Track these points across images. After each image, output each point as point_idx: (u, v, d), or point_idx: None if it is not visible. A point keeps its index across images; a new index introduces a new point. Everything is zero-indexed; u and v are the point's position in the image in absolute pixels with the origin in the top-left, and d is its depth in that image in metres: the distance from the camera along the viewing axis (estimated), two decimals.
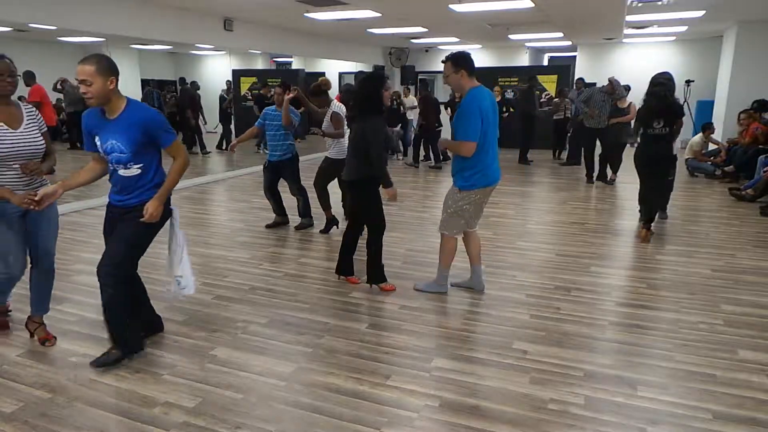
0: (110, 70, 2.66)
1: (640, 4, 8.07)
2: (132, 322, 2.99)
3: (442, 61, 3.72)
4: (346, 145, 5.59)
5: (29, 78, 9.40)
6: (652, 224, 5.46)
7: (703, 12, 8.71)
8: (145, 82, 15.09)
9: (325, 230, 5.65)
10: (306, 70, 15.57)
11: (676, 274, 4.42)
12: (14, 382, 2.79)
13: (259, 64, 17.06)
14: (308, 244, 5.31)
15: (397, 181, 8.38)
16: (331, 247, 5.19)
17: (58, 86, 11.90)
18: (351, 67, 15.29)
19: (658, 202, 5.68)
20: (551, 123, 11.26)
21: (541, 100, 11.85)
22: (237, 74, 15.20)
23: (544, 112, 11.18)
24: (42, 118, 3.04)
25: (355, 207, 4.08)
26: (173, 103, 14.06)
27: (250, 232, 5.75)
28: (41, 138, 2.95)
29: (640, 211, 5.68)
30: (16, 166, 2.83)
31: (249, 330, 3.42)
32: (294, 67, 16.85)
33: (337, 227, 5.65)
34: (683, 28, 10.89)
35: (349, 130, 4.54)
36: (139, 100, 2.41)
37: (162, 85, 16.64)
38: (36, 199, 2.80)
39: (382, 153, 3.85)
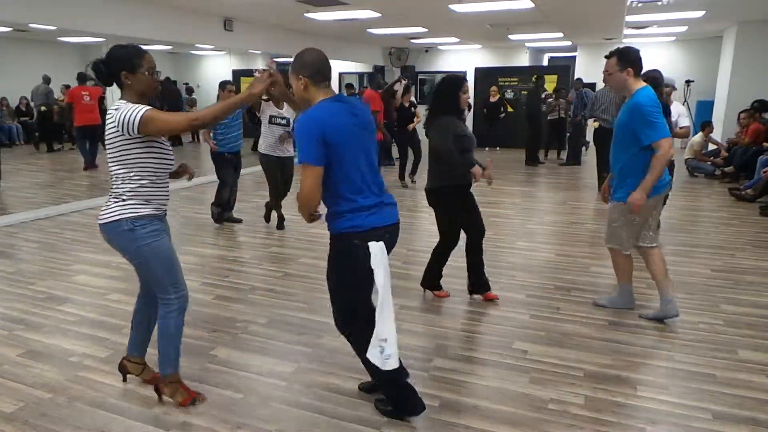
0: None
1: (640, 4, 8.07)
2: None
3: (606, 57, 3.34)
4: (270, 140, 5.55)
5: (81, 80, 9.80)
6: None
7: (703, 12, 8.71)
8: None
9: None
10: None
11: (676, 274, 4.42)
12: (14, 382, 2.79)
13: (259, 64, 17.05)
14: (308, 244, 5.31)
15: (397, 181, 8.40)
16: None
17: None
18: (351, 67, 15.28)
19: None
20: (546, 123, 11.25)
21: (549, 100, 11.91)
22: (237, 74, 15.19)
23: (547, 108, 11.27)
24: None
25: (436, 216, 3.77)
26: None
27: (250, 232, 5.75)
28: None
29: None
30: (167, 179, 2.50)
31: (249, 330, 3.42)
32: None
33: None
34: (683, 28, 10.88)
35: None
36: None
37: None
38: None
39: (451, 150, 3.49)
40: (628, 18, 9.10)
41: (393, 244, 2.45)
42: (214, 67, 17.25)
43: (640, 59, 3.26)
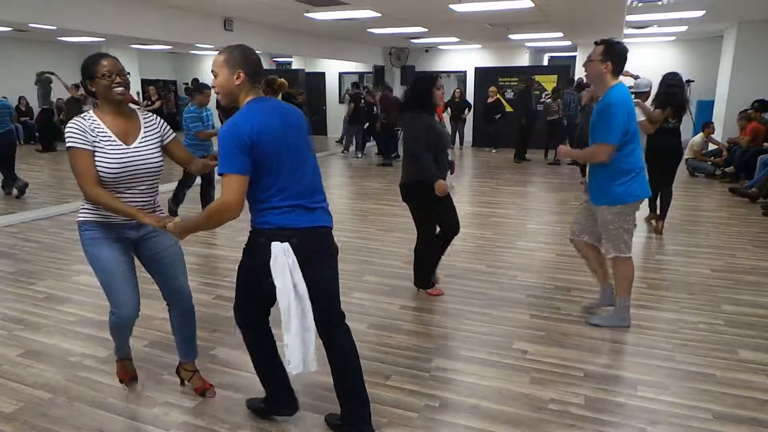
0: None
1: (640, 4, 8.07)
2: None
3: (595, 43, 3.09)
4: None
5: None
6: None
7: (703, 12, 8.71)
8: (147, 82, 15.12)
9: None
10: (306, 70, 15.57)
11: (676, 274, 4.42)
12: (14, 382, 2.79)
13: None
14: None
15: (395, 180, 8.39)
16: None
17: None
18: (351, 67, 15.28)
19: (666, 196, 5.67)
20: (545, 124, 11.21)
21: (541, 100, 11.93)
22: None
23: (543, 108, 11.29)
24: (168, 128, 2.51)
25: (412, 212, 3.84)
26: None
27: None
28: (159, 154, 2.42)
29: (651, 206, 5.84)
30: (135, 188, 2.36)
31: None
32: (294, 67, 16.86)
33: None
34: (683, 28, 10.88)
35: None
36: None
37: (164, 84, 16.66)
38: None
39: (423, 149, 3.57)
40: (628, 18, 9.10)
41: (312, 251, 2.16)
42: None
43: (624, 58, 3.05)
